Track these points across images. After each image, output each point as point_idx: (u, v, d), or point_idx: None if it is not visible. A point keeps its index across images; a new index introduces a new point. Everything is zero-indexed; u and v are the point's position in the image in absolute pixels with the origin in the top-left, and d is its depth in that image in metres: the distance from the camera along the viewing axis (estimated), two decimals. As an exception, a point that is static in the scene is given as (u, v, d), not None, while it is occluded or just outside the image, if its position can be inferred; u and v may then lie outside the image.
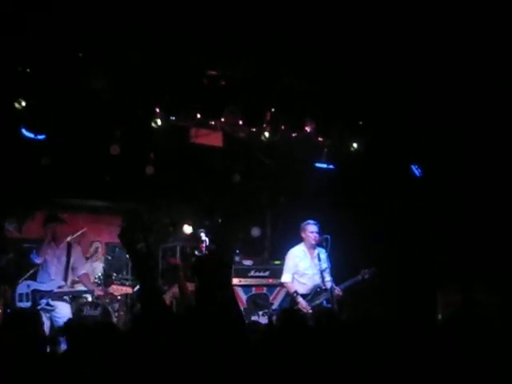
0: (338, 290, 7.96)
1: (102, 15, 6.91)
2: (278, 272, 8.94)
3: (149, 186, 9.17)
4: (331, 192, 9.20)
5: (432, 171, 8.99)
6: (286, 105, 8.17)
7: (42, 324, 4.15)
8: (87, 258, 9.68)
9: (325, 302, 8.02)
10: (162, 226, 10.23)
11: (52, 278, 7.69)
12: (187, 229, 9.82)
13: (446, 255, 8.78)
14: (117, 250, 10.41)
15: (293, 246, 8.43)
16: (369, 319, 4.38)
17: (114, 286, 8.47)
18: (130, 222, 3.88)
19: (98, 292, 8.20)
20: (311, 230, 8.22)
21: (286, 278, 8.26)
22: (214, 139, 8.39)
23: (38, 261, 7.75)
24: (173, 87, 7.55)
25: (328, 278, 8.10)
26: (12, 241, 9.55)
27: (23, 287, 7.72)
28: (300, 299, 7.90)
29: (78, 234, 9.52)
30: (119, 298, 9.53)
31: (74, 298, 8.75)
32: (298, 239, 8.41)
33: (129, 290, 8.91)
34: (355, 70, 7.76)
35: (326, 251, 8.14)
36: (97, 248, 9.86)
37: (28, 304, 7.58)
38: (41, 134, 7.76)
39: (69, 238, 9.07)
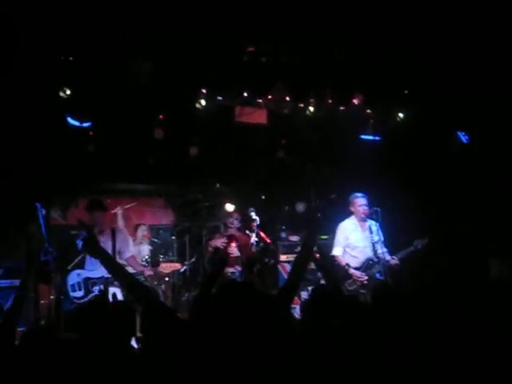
0: (393, 260, 7.89)
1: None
2: (326, 246, 8.89)
3: (192, 167, 9.14)
4: (378, 164, 9.08)
5: (479, 137, 8.83)
6: (333, 78, 8.04)
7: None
8: (133, 241, 9.72)
9: (378, 274, 7.97)
10: (204, 205, 10.23)
11: (100, 265, 7.69)
12: (229, 207, 9.79)
13: (497, 222, 8.64)
14: (161, 231, 10.46)
15: (339, 220, 8.35)
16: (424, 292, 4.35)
17: (162, 265, 8.53)
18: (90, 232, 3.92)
19: (148, 272, 8.21)
20: (360, 203, 8.13)
21: (336, 251, 8.15)
22: (259, 117, 8.31)
23: None
24: (218, 67, 7.45)
25: (380, 250, 8.02)
26: (57, 228, 9.59)
27: (74, 276, 7.70)
28: (352, 270, 7.82)
29: (129, 206, 9.62)
30: (166, 279, 9.62)
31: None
32: (345, 213, 8.32)
33: (177, 266, 8.96)
34: (400, 40, 7.61)
35: (378, 223, 8.06)
36: (143, 231, 9.84)
37: (81, 293, 7.59)
38: (86, 122, 7.73)
39: (118, 209, 9.19)
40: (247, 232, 8.13)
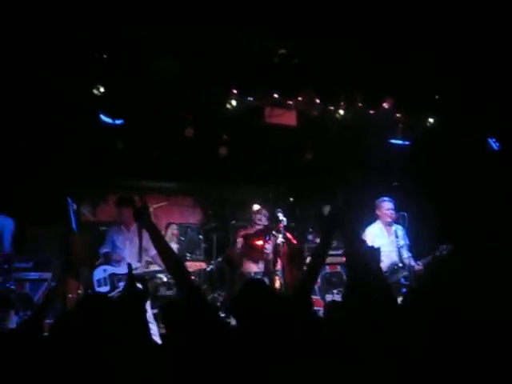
0: (418, 266, 7.86)
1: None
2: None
3: (221, 167, 9.21)
4: (406, 168, 9.05)
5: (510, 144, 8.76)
6: (363, 82, 8.04)
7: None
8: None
9: (403, 279, 7.95)
10: (232, 205, 10.32)
11: (127, 261, 7.79)
12: (256, 208, 9.82)
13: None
14: (189, 230, 10.52)
15: (366, 223, 8.35)
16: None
17: (187, 264, 8.59)
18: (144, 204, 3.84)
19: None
20: (387, 207, 8.11)
21: None
22: (288, 118, 8.34)
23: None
24: (249, 68, 7.50)
25: (406, 254, 8.01)
26: (87, 224, 9.74)
27: (100, 272, 7.85)
28: None
29: (160, 205, 9.72)
30: (193, 278, 9.68)
31: (149, 279, 8.92)
32: (371, 216, 8.30)
33: (203, 265, 9.05)
34: (432, 44, 7.59)
35: (404, 228, 8.04)
36: (173, 230, 9.94)
37: (107, 288, 7.71)
38: (119, 119, 7.84)
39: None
40: (274, 233, 8.15)
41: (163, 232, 9.89)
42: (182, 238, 10.16)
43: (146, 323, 3.87)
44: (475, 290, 4.70)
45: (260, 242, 8.15)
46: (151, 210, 9.34)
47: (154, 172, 9.55)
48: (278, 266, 7.94)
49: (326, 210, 10.16)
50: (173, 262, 3.75)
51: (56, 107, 7.58)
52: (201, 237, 10.27)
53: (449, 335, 3.49)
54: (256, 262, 8.20)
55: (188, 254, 9.77)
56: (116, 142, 8.50)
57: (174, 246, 9.75)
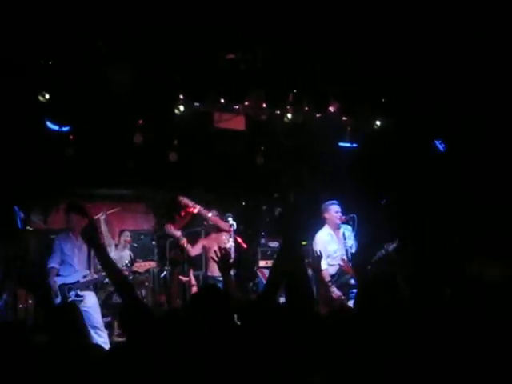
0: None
1: (120, 4, 6.89)
2: (304, 252, 8.94)
3: (172, 173, 9.19)
4: (355, 170, 9.17)
5: (456, 146, 8.93)
6: (310, 86, 8.12)
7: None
8: (116, 246, 9.77)
9: (353, 280, 8.05)
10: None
11: (76, 269, 7.73)
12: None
13: (472, 229, 8.74)
14: (142, 236, 10.50)
15: (318, 226, 8.43)
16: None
17: (136, 264, 8.61)
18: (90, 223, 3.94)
19: (123, 273, 8.31)
20: (336, 209, 8.18)
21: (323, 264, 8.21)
22: (237, 123, 8.39)
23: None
24: (195, 73, 7.52)
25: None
26: (38, 232, 9.64)
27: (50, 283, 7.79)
28: (334, 289, 7.81)
29: (112, 211, 9.67)
30: (146, 284, 9.67)
31: (102, 287, 8.87)
32: (319, 220, 8.38)
33: (152, 264, 9.03)
34: (377, 48, 7.69)
35: (353, 230, 8.13)
36: (126, 237, 9.90)
37: (58, 300, 7.63)
38: (65, 126, 7.79)
39: (101, 214, 9.24)
40: (224, 237, 8.20)
41: (116, 239, 9.86)
42: (135, 245, 10.13)
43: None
44: (418, 285, 4.78)
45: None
46: (104, 216, 9.34)
47: (105, 179, 9.49)
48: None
49: (280, 213, 10.25)
50: (119, 283, 3.89)
51: (1, 114, 7.47)
52: (154, 243, 10.26)
53: (399, 334, 3.57)
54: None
55: (141, 260, 9.72)
56: (65, 149, 8.42)
57: (127, 253, 9.72)
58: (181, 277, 9.28)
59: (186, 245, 8.33)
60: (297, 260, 4.10)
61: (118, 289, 4.11)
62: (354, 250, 8.13)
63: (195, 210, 8.12)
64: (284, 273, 4.08)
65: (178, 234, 8.37)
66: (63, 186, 9.43)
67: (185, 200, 8.23)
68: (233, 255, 7.99)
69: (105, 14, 6.94)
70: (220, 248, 4.88)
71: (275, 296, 4.12)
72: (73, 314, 4.05)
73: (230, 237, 8.01)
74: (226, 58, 7.79)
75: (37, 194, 9.47)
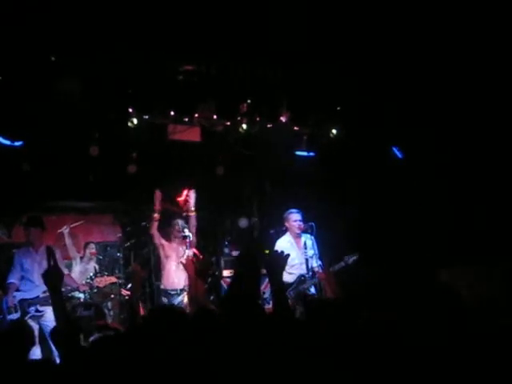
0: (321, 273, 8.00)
1: (72, 17, 6.91)
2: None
3: (133, 185, 9.20)
4: (314, 179, 9.19)
5: (414, 153, 8.96)
6: (260, 96, 8.15)
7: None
8: (81, 259, 9.77)
9: (312, 288, 8.08)
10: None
11: (36, 284, 7.72)
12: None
13: (431, 237, 8.76)
14: (108, 248, 10.50)
15: (281, 234, 8.45)
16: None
17: (97, 279, 8.59)
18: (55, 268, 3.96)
19: (83, 287, 8.32)
20: (295, 218, 8.26)
21: None
22: (192, 135, 8.39)
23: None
24: (144, 86, 7.55)
25: (315, 263, 8.13)
26: (1, 246, 9.65)
27: (9, 299, 7.77)
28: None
29: (76, 224, 9.68)
30: (112, 296, 9.65)
31: (66, 300, 8.85)
32: (281, 229, 8.48)
33: (112, 280, 8.99)
34: (329, 56, 7.71)
35: (312, 237, 8.16)
36: (91, 249, 9.90)
37: (17, 315, 7.62)
38: (17, 141, 7.80)
39: (65, 228, 9.24)
40: (180, 249, 8.22)
41: (81, 252, 9.86)
42: (101, 257, 10.12)
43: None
44: (377, 298, 4.80)
45: None
46: (67, 230, 9.33)
47: (68, 191, 9.49)
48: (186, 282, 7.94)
49: (242, 222, 10.26)
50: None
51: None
52: (119, 254, 10.25)
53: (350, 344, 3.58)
54: None
55: (106, 273, 9.68)
56: (22, 164, 8.43)
57: (92, 265, 9.72)
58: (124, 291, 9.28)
59: (155, 222, 8.36)
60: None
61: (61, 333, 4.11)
62: (314, 260, 8.14)
63: (192, 213, 8.37)
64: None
65: (157, 206, 8.44)
66: (26, 200, 9.41)
67: (193, 199, 8.45)
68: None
69: (56, 28, 6.95)
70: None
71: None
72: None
73: (187, 248, 7.98)
74: (181, 70, 7.80)
75: (-1, 207, 9.46)
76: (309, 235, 8.22)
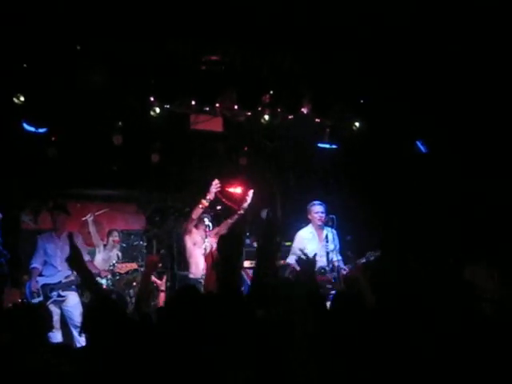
0: (344, 270, 7.95)
1: (96, 7, 6.97)
2: (289, 253, 8.99)
3: (157, 174, 9.26)
4: (336, 172, 9.15)
5: (438, 147, 8.85)
6: (282, 87, 8.12)
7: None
8: (104, 246, 9.87)
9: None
10: (174, 212, 10.35)
11: (59, 270, 7.84)
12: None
13: (453, 232, 8.65)
14: (131, 237, 10.59)
15: (304, 226, 8.45)
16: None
17: (118, 266, 8.65)
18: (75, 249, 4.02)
19: (104, 273, 8.41)
20: (316, 210, 8.23)
21: (291, 259, 8.22)
22: (214, 124, 8.40)
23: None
24: (167, 75, 7.58)
25: (335, 257, 8.10)
26: (28, 232, 9.78)
27: (33, 283, 7.90)
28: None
29: (100, 212, 9.77)
30: (134, 284, 9.73)
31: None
32: (304, 221, 8.44)
33: (134, 266, 9.05)
34: (352, 48, 7.66)
35: (334, 230, 8.14)
36: (114, 237, 9.98)
37: (40, 299, 7.73)
38: (42, 128, 7.91)
39: (89, 215, 9.33)
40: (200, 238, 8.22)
41: (105, 239, 9.96)
42: (124, 245, 10.21)
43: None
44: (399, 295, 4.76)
45: None
46: (92, 218, 9.42)
47: (92, 180, 9.60)
48: (204, 271, 7.96)
49: (264, 214, 10.24)
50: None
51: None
52: (142, 243, 10.34)
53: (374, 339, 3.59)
54: None
55: (128, 260, 9.79)
56: (48, 150, 8.55)
57: (115, 253, 9.81)
58: (154, 279, 9.29)
59: (200, 207, 7.99)
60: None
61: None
62: (335, 254, 8.11)
63: (242, 211, 8.20)
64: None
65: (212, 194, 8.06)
66: (52, 187, 9.55)
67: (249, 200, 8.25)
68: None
69: (81, 17, 7.02)
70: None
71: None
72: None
73: (206, 237, 8.00)
74: (203, 60, 7.82)
75: (26, 194, 9.60)
76: (330, 228, 8.17)
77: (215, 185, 7.90)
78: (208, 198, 7.89)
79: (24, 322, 3.98)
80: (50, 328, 4.59)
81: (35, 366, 3.58)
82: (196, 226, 8.25)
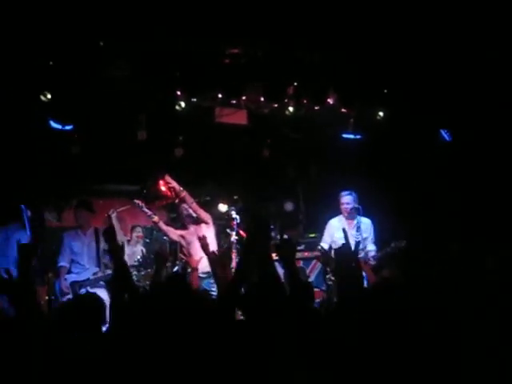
0: (370, 260, 7.96)
1: (119, 2, 6.98)
2: (313, 245, 9.03)
3: (180, 168, 9.25)
4: (360, 162, 9.15)
5: (462, 135, 8.83)
6: (308, 78, 8.11)
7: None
8: (128, 242, 9.88)
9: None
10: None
11: (86, 267, 7.87)
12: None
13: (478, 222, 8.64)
14: (154, 232, 10.58)
15: (327, 217, 8.54)
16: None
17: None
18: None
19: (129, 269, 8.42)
20: (342, 201, 8.30)
21: (323, 245, 8.34)
22: (239, 117, 8.41)
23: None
24: (192, 68, 7.58)
25: (369, 247, 8.18)
26: (52, 230, 9.81)
27: (61, 281, 7.93)
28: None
29: (123, 208, 9.76)
30: (159, 278, 9.72)
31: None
32: (331, 210, 8.53)
33: None
34: (375, 38, 7.64)
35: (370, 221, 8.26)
36: (138, 232, 10.00)
37: (69, 297, 7.77)
38: (68, 125, 7.94)
39: (112, 211, 9.34)
40: (227, 230, 8.25)
41: (128, 235, 9.97)
42: (148, 240, 10.22)
43: None
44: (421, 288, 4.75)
45: None
46: (115, 214, 9.42)
47: (116, 175, 9.63)
48: (233, 264, 7.96)
49: (288, 206, 10.28)
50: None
51: (5, 115, 7.64)
52: (165, 238, 10.32)
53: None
54: None
55: (153, 256, 9.80)
56: (71, 147, 8.57)
57: (140, 248, 9.83)
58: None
59: (160, 223, 8.23)
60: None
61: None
62: (369, 244, 8.20)
63: (183, 194, 7.95)
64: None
65: (149, 212, 8.27)
66: (76, 184, 9.58)
67: (173, 182, 8.07)
68: (235, 249, 8.05)
69: (103, 12, 7.03)
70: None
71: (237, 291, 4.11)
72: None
73: (233, 230, 8.03)
74: (227, 53, 7.82)
75: (49, 191, 9.63)
76: (366, 218, 8.22)
77: (141, 205, 8.23)
78: (149, 215, 8.26)
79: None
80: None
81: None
82: (186, 227, 8.31)
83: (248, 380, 3.34)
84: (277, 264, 4.20)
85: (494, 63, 7.92)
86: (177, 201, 8.27)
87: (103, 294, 7.94)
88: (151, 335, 3.51)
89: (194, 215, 8.02)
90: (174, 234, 8.22)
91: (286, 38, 7.51)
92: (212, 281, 7.90)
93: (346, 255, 4.17)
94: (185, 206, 8.09)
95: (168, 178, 8.09)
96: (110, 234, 4.31)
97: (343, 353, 3.49)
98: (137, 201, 8.28)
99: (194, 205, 8.05)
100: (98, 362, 3.46)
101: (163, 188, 8.86)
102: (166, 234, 8.42)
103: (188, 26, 7.27)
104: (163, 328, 3.53)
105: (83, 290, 7.84)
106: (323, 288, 8.35)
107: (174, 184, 8.01)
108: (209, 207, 10.02)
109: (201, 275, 7.84)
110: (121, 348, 3.56)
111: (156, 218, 8.22)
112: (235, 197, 9.07)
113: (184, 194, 7.96)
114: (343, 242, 7.86)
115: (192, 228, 8.14)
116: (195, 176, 9.52)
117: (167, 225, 8.36)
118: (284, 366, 3.40)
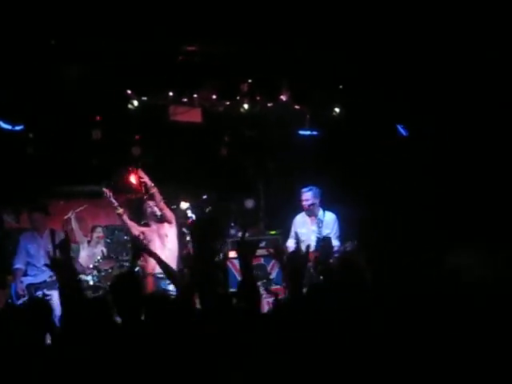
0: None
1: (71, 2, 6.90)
2: (274, 241, 9.01)
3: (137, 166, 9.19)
4: (318, 158, 9.16)
5: (419, 130, 8.86)
6: (261, 75, 8.09)
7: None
8: (88, 242, 9.80)
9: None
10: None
11: (42, 269, 7.78)
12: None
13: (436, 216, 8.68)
14: (116, 232, 10.51)
15: (287, 214, 8.65)
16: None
17: (103, 261, 8.76)
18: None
19: (89, 270, 8.56)
20: (301, 197, 8.30)
21: (289, 243, 8.42)
22: (193, 115, 8.36)
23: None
24: (144, 67, 7.52)
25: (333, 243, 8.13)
26: (11, 231, 9.71)
27: (17, 284, 7.85)
28: None
29: (81, 209, 9.68)
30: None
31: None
32: (292, 207, 8.57)
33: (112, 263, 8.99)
34: (329, 33, 7.62)
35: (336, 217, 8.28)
36: (98, 233, 9.92)
37: (25, 299, 7.69)
38: (18, 125, 7.83)
39: (70, 213, 9.25)
40: (183, 230, 8.20)
41: (89, 236, 9.88)
42: (108, 240, 10.15)
43: None
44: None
45: None
46: (73, 215, 9.32)
47: (73, 176, 9.53)
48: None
49: (249, 203, 10.26)
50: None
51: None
52: (127, 237, 10.25)
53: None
54: None
55: (113, 256, 9.73)
56: (26, 148, 8.47)
57: (100, 249, 9.75)
58: None
59: (124, 216, 8.03)
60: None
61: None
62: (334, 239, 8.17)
63: (153, 190, 7.81)
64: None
65: (116, 203, 8.09)
66: (34, 185, 9.47)
67: (146, 177, 7.95)
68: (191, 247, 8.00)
69: (54, 11, 6.94)
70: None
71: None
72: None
73: (189, 229, 7.98)
74: (181, 50, 7.76)
75: (7, 193, 9.51)
76: (330, 213, 8.26)
77: (108, 193, 7.98)
78: (115, 206, 8.01)
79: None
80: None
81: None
82: (148, 224, 8.20)
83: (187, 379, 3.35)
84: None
85: (447, 57, 7.96)
86: (145, 196, 8.13)
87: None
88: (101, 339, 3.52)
89: (159, 213, 7.90)
90: (137, 230, 8.04)
91: (240, 35, 7.45)
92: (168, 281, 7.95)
93: (296, 260, 4.29)
94: (151, 203, 7.98)
95: (141, 173, 7.95)
96: (64, 247, 4.27)
97: (284, 351, 3.51)
98: (105, 189, 8.02)
99: (162, 203, 7.92)
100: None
101: (134, 181, 8.79)
102: (128, 229, 8.19)
103: (139, 24, 7.20)
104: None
105: (39, 293, 7.78)
106: (284, 285, 8.34)
107: (146, 179, 7.86)
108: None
109: (158, 275, 7.84)
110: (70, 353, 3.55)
111: (121, 211, 8.00)
112: (204, 196, 8.99)
113: (154, 190, 7.81)
114: (304, 238, 7.98)
115: (154, 226, 8.03)
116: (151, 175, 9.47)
117: (131, 219, 8.20)
118: (220, 366, 3.41)
